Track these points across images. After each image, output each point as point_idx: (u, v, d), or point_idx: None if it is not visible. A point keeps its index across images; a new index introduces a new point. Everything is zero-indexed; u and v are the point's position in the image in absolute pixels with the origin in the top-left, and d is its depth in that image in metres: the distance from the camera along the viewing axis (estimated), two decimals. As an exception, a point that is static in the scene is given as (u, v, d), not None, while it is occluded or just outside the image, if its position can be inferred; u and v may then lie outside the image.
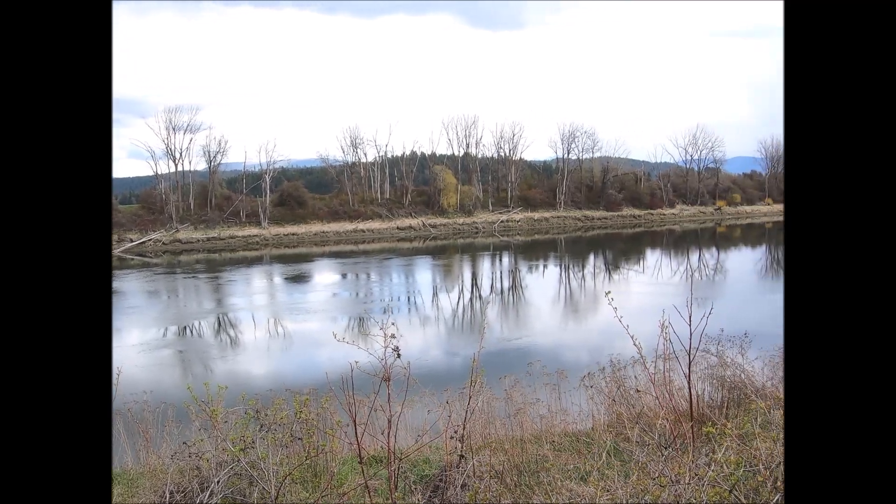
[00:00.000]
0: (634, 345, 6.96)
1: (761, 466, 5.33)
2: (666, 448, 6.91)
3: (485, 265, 64.26)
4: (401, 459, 6.84)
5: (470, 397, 6.95)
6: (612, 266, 63.81)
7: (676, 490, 5.24)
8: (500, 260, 67.96)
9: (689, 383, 6.89)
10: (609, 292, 7.43)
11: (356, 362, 6.62)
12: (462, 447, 6.92)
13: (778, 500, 4.86)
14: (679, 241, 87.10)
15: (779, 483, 5.00)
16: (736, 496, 5.07)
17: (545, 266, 64.08)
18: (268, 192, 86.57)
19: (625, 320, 7.07)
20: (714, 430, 6.20)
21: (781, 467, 5.32)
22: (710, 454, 5.97)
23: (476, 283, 53.17)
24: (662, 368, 9.95)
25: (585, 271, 60.68)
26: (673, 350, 7.27)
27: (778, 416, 6.31)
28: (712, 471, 5.43)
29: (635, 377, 13.00)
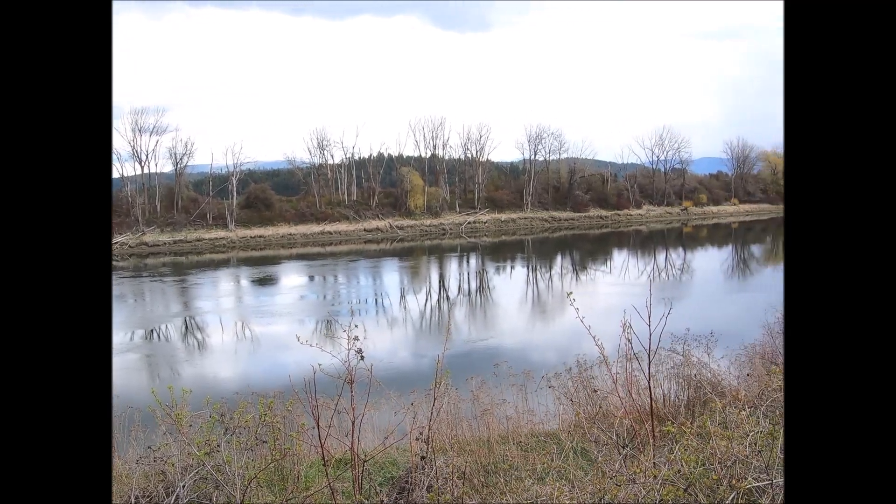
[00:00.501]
0: (596, 345, 7.00)
1: (717, 465, 5.37)
2: (623, 447, 6.96)
3: (452, 267, 64.28)
4: (365, 461, 6.84)
5: (435, 399, 6.97)
6: (579, 267, 64.01)
7: (633, 489, 5.28)
8: (468, 261, 67.99)
9: (649, 383, 6.94)
10: (571, 293, 7.47)
11: (319, 365, 6.63)
12: (427, 448, 6.94)
13: (733, 498, 4.89)
14: (646, 242, 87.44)
15: (734, 481, 5.04)
16: (692, 494, 5.11)
17: (512, 267, 64.18)
18: (234, 194, 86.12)
19: (591, 321, 7.11)
20: (674, 430, 6.24)
21: (737, 465, 5.37)
22: (668, 453, 6.02)
23: (443, 285, 53.20)
24: (626, 368, 10.00)
25: (553, 272, 60.82)
26: (632, 350, 7.30)
27: (736, 414, 6.34)
28: (667, 469, 5.48)
29: (600, 377, 13.07)
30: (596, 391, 11.87)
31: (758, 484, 5.12)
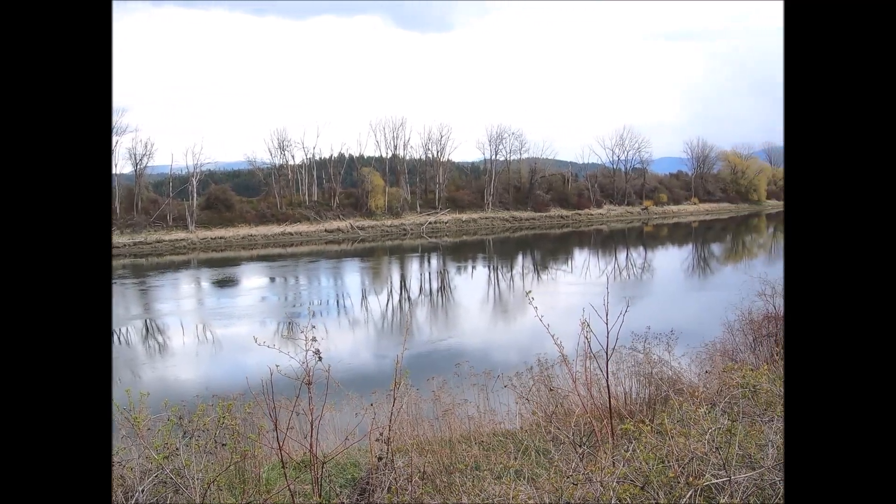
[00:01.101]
0: (556, 344, 7.01)
1: (674, 462, 5.39)
2: (580, 446, 6.97)
3: (413, 267, 64.23)
4: (324, 463, 6.81)
5: (394, 399, 6.95)
6: (540, 266, 64.19)
7: (590, 488, 5.28)
8: (429, 261, 67.98)
9: (607, 381, 6.95)
10: (529, 292, 7.46)
11: (277, 366, 6.60)
12: (388, 449, 6.92)
13: (691, 495, 4.91)
14: (607, 241, 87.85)
15: (691, 478, 5.05)
16: (648, 492, 5.12)
17: (473, 267, 64.27)
18: (195, 195, 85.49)
19: (552, 320, 7.12)
20: (632, 428, 6.26)
21: (694, 462, 5.38)
22: (625, 451, 6.04)
23: (404, 285, 53.15)
24: (585, 367, 10.02)
25: (514, 272, 60.96)
26: (591, 349, 7.31)
27: (693, 411, 6.37)
28: (622, 468, 5.49)
29: (561, 376, 13.10)
30: (551, 390, 11.90)
31: (715, 481, 5.14)
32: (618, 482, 5.20)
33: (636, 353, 13.93)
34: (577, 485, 5.37)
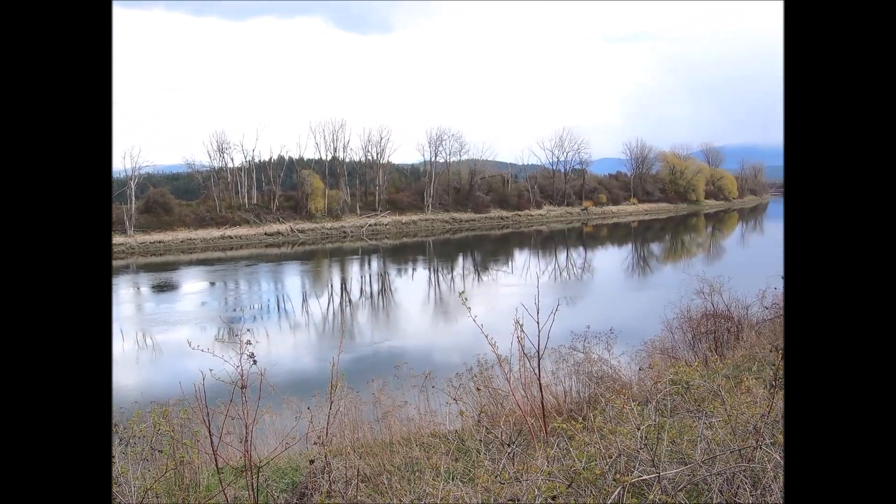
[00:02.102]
0: (490, 344, 7.01)
1: (601, 459, 5.41)
2: (509, 445, 6.98)
3: (354, 269, 64.15)
4: (260, 468, 6.76)
5: (331, 402, 6.92)
6: (480, 267, 64.41)
7: (519, 487, 5.29)
8: (369, 264, 67.93)
9: (539, 380, 6.96)
10: (462, 293, 7.46)
11: (211, 370, 6.54)
12: (325, 452, 6.88)
13: (619, 492, 4.92)
14: (547, 242, 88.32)
15: (618, 475, 5.07)
16: (575, 490, 5.13)
17: (414, 269, 64.34)
18: (133, 198, 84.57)
19: (493, 320, 7.13)
20: (564, 426, 6.28)
21: (622, 459, 5.40)
22: (556, 450, 6.05)
23: (345, 288, 53.11)
24: (524, 367, 10.04)
25: (454, 273, 61.09)
26: (530, 348, 7.32)
27: (620, 407, 6.39)
28: (549, 466, 5.50)
29: (501, 377, 13.13)
30: (479, 390, 11.92)
31: (645, 477, 5.16)
32: (544, 480, 5.21)
33: (576, 352, 14.03)
34: (504, 484, 5.38)
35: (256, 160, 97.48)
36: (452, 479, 6.57)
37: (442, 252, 77.91)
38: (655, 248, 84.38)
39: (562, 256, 72.45)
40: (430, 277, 58.81)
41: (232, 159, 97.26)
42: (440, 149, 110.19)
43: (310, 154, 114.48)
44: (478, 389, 11.82)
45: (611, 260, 71.78)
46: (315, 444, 7.33)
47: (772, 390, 6.22)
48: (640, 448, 5.40)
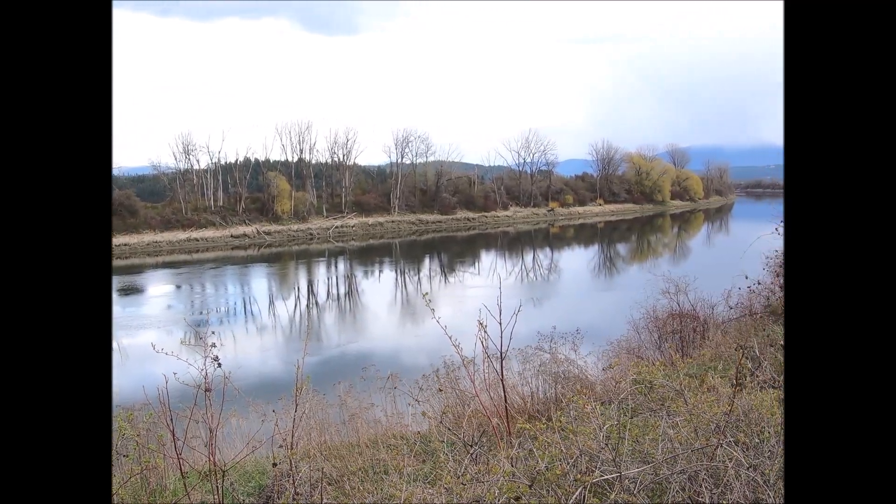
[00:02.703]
0: (453, 346, 7.01)
1: (562, 459, 5.42)
2: (472, 446, 6.99)
3: (320, 271, 64.02)
4: (225, 471, 6.72)
5: (296, 405, 6.88)
6: (447, 269, 64.44)
7: (481, 488, 5.29)
8: (336, 266, 67.81)
9: (501, 381, 6.97)
10: (426, 294, 7.44)
11: (175, 374, 6.49)
12: (290, 455, 6.85)
13: (581, 491, 4.93)
14: (513, 243, 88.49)
15: (579, 475, 5.08)
16: (536, 490, 5.13)
17: (381, 271, 64.30)
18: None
19: (460, 322, 7.12)
20: (527, 427, 6.28)
21: (583, 459, 5.41)
22: (518, 450, 6.06)
23: (312, 290, 52.99)
24: (487, 369, 10.04)
25: (421, 275, 61.11)
26: (495, 349, 7.32)
27: (581, 407, 6.41)
28: (510, 466, 5.51)
29: (467, 378, 13.15)
30: (440, 390, 11.95)
31: (606, 477, 5.17)
32: (506, 481, 5.21)
33: (542, 352, 14.07)
34: (465, 485, 5.38)
35: (222, 162, 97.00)
36: (417, 481, 6.56)
37: (408, 253, 77.89)
38: (622, 248, 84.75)
39: (528, 257, 72.64)
40: (396, 279, 58.80)
41: (198, 161, 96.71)
42: (406, 150, 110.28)
43: (276, 156, 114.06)
44: (440, 390, 11.83)
45: (577, 260, 72.01)
46: (280, 447, 7.30)
47: (735, 388, 6.27)
48: (602, 448, 5.42)
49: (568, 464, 5.31)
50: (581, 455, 5.41)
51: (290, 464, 6.86)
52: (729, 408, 6.02)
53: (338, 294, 51.24)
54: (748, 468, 5.30)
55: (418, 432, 10.99)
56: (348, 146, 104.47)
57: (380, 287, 54.69)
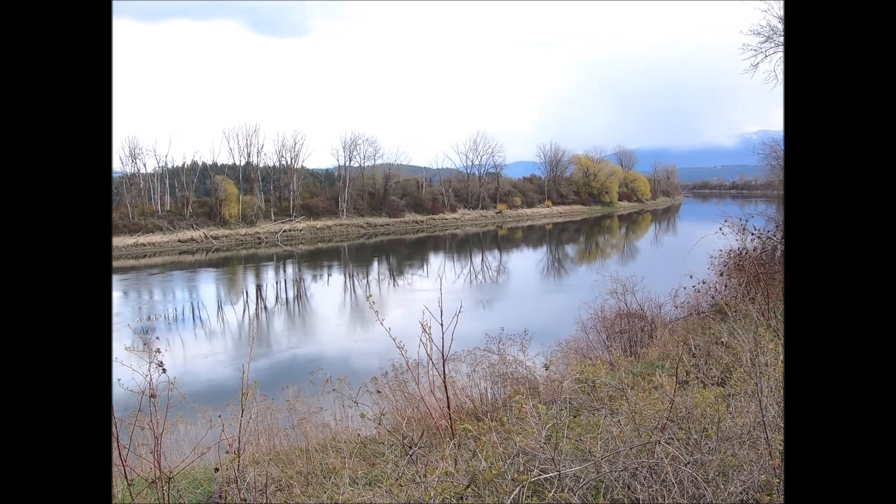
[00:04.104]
0: (398, 348, 7.01)
1: (498, 459, 5.44)
2: (410, 448, 7.00)
3: (269, 275, 63.71)
4: (171, 478, 6.66)
5: (242, 410, 6.84)
6: (396, 272, 64.42)
7: (417, 489, 5.30)
8: (284, 270, 67.51)
9: (444, 382, 6.98)
10: (370, 296, 7.43)
11: (119, 380, 6.43)
12: (233, 459, 6.81)
13: (519, 490, 4.94)
14: (462, 245, 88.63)
15: (515, 475, 5.10)
16: (474, 490, 5.15)
17: (329, 274, 64.11)
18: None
19: (408, 324, 7.11)
20: (469, 427, 6.30)
21: (521, 458, 5.43)
22: (458, 451, 6.08)
23: (260, 294, 52.74)
24: (429, 370, 10.06)
25: (370, 278, 61.03)
26: (432, 352, 7.33)
27: (519, 408, 6.44)
28: (452, 467, 5.52)
29: (416, 380, 13.15)
30: (379, 392, 11.99)
31: (543, 476, 5.19)
32: (440, 481, 5.23)
33: (491, 354, 14.13)
34: (403, 486, 5.39)
35: (169, 166, 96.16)
36: (360, 484, 6.56)
37: (357, 257, 77.76)
38: (570, 249, 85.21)
39: (477, 259, 72.80)
40: (345, 283, 58.69)
41: (144, 165, 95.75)
42: (354, 153, 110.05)
43: (223, 159, 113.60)
44: (377, 392, 11.85)
45: (526, 262, 72.30)
46: (227, 452, 7.26)
47: (675, 386, 6.32)
48: (540, 447, 5.44)
49: (505, 463, 5.33)
50: (519, 454, 5.43)
51: (237, 469, 6.82)
52: (670, 405, 6.07)
53: (287, 298, 51.05)
54: (686, 464, 5.35)
55: (367, 436, 10.98)
56: (296, 149, 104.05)
57: (329, 291, 54.56)
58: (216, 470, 7.31)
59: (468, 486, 5.09)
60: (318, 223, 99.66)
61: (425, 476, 5.43)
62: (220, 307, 46.22)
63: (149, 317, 42.61)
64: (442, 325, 6.83)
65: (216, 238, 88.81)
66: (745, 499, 5.15)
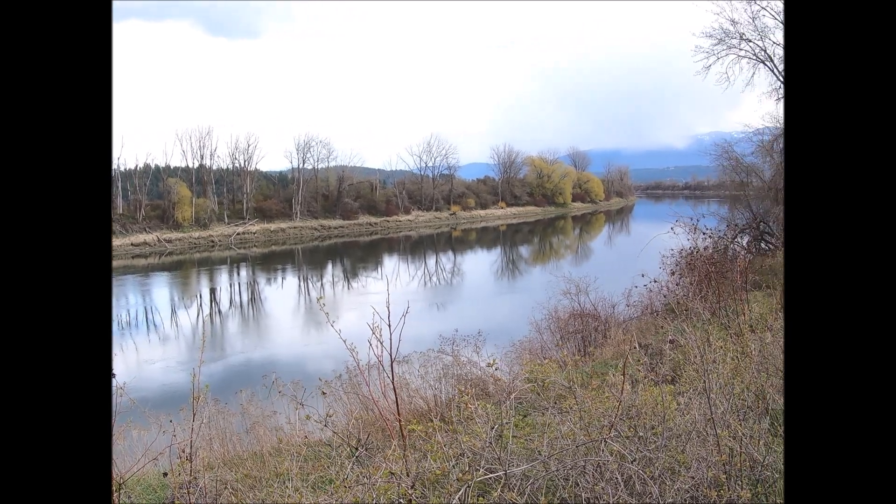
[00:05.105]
0: (348, 349, 7.00)
1: (441, 459, 5.47)
2: (356, 449, 7.01)
3: (222, 279, 63.33)
4: (122, 484, 6.62)
5: (194, 414, 6.82)
6: (350, 274, 64.32)
7: (363, 490, 5.31)
8: (238, 273, 67.14)
9: (392, 383, 6.99)
10: (321, 298, 7.42)
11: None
12: (182, 463, 6.78)
13: (465, 490, 4.97)
14: (416, 247, 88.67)
15: (461, 474, 5.12)
16: (418, 490, 5.17)
17: (284, 277, 63.85)
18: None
19: (362, 327, 7.09)
20: (417, 428, 6.32)
21: (466, 458, 5.45)
22: (406, 452, 6.10)
23: (214, 298, 52.43)
24: (380, 372, 10.08)
25: (324, 280, 60.88)
26: (382, 354, 7.34)
27: (466, 410, 6.47)
28: (400, 468, 5.54)
29: (370, 382, 13.15)
30: (325, 393, 11.97)
31: (489, 476, 5.22)
32: (385, 482, 5.25)
33: (445, 355, 14.16)
34: (349, 488, 5.40)
35: (121, 168, 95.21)
36: (307, 486, 6.56)
37: (311, 260, 77.52)
38: (524, 250, 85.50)
39: (431, 261, 72.85)
40: (299, 285, 58.48)
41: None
42: (308, 155, 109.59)
43: (176, 162, 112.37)
44: (322, 393, 11.83)
45: (480, 263, 72.45)
46: (179, 457, 7.23)
47: (622, 384, 6.37)
48: (487, 446, 5.46)
49: (451, 463, 5.35)
50: (464, 454, 5.45)
51: (191, 474, 6.79)
52: (617, 403, 6.12)
53: (240, 301, 50.79)
54: (633, 462, 5.39)
55: (319, 439, 10.96)
56: (249, 151, 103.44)
57: (283, 294, 54.36)
58: (165, 475, 7.27)
59: (413, 486, 5.11)
60: (272, 226, 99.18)
61: (370, 477, 5.45)
62: (173, 311, 45.87)
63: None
64: (390, 326, 6.84)
65: (169, 241, 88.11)
66: (695, 494, 5.20)
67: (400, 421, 6.64)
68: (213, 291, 56.06)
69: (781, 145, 35.38)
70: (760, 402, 7.25)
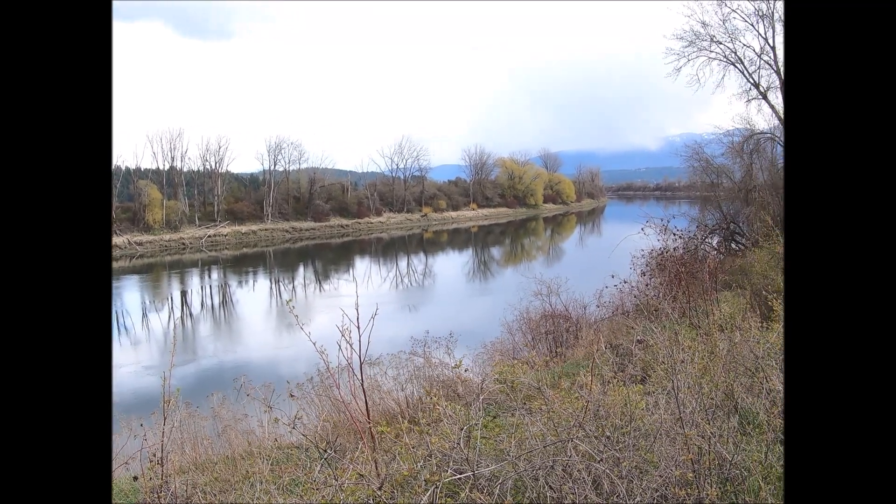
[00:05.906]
0: (318, 352, 7.02)
1: (410, 460, 5.50)
2: (325, 451, 7.03)
3: (194, 282, 63.07)
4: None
5: (165, 418, 6.81)
6: (321, 276, 64.19)
7: (330, 493, 5.34)
8: (209, 275, 66.90)
9: (362, 385, 7.02)
10: (290, 301, 7.44)
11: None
12: (163, 469, 6.78)
13: (433, 491, 4.99)
14: (387, 249, 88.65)
15: (430, 475, 5.15)
16: (387, 492, 5.20)
17: (255, 280, 63.66)
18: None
19: (333, 330, 7.10)
20: (386, 429, 6.35)
21: (434, 459, 5.48)
22: (374, 454, 6.13)
23: (185, 301, 52.20)
24: (350, 374, 10.09)
25: (296, 283, 60.76)
26: (352, 356, 7.35)
27: (433, 411, 6.50)
28: (371, 469, 5.57)
29: (342, 384, 13.15)
30: (293, 396, 11.99)
31: (457, 476, 5.25)
32: (353, 483, 5.27)
33: (416, 357, 14.19)
34: (317, 490, 5.42)
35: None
36: (276, 488, 6.58)
37: (283, 262, 77.34)
38: (495, 252, 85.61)
39: (403, 263, 72.82)
40: (271, 288, 58.34)
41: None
42: (279, 157, 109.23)
43: (147, 164, 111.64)
44: (291, 396, 11.84)
45: (452, 265, 72.49)
46: (150, 462, 7.22)
47: (590, 384, 6.42)
48: (455, 447, 5.49)
49: (419, 464, 5.38)
50: (433, 455, 5.48)
51: (161, 478, 6.79)
52: (585, 403, 6.17)
53: (212, 304, 50.61)
54: (600, 461, 5.43)
55: (291, 441, 10.96)
56: (220, 153, 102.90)
57: (254, 296, 54.22)
58: (135, 479, 7.26)
59: (381, 488, 5.13)
60: (243, 228, 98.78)
61: (338, 479, 5.47)
62: (144, 315, 45.65)
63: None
64: (359, 328, 6.86)
65: (140, 244, 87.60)
66: (663, 493, 5.24)
67: (369, 423, 6.67)
68: (184, 294, 55.84)
69: (751, 147, 35.68)
70: (729, 400, 7.31)
